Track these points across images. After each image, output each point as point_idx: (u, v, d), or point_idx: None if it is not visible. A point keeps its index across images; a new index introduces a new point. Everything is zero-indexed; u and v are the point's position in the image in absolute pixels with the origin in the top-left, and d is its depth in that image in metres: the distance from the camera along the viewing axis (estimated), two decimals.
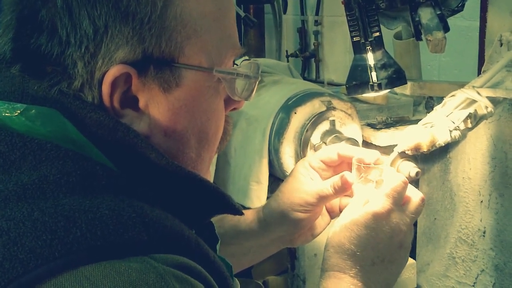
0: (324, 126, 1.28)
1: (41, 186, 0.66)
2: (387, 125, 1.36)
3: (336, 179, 1.06)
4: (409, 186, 0.98)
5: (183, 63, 0.73)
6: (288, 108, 1.29)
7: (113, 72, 0.69)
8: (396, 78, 1.06)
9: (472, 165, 1.42)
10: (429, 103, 1.51)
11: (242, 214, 0.84)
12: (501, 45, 1.23)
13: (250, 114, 1.37)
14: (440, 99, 1.51)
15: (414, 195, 0.97)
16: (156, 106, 0.73)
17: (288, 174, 1.32)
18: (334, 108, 1.28)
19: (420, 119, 1.45)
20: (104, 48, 0.69)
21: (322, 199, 1.07)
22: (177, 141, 0.76)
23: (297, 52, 3.19)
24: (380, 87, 1.06)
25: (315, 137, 1.27)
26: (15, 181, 0.66)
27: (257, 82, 0.83)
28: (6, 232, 0.61)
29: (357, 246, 0.91)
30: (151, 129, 0.74)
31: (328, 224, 1.14)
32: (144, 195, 0.71)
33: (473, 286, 1.47)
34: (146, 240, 0.64)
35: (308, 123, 1.27)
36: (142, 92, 0.72)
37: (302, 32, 3.21)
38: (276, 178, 1.39)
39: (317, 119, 1.27)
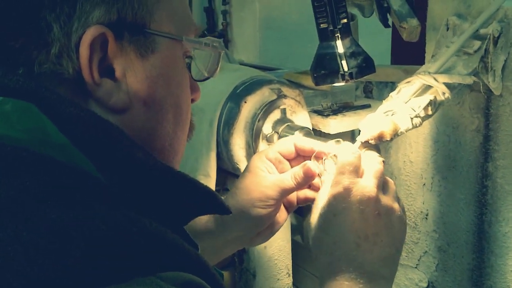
0: (275, 115, 1.23)
1: (22, 200, 0.57)
2: (334, 111, 1.34)
3: (297, 170, 1.02)
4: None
5: (154, 29, 0.71)
6: (237, 97, 1.23)
7: (91, 32, 0.66)
8: (366, 66, 1.03)
9: (414, 148, 1.43)
10: (367, 87, 1.50)
11: (230, 212, 0.80)
12: (448, 29, 1.23)
13: (195, 104, 1.29)
14: (379, 84, 1.51)
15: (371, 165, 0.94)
16: (134, 74, 0.70)
17: (238, 165, 1.27)
18: (285, 96, 1.23)
19: (363, 105, 1.44)
20: (79, 9, 0.66)
21: (284, 192, 1.03)
22: (156, 112, 0.74)
23: (205, 32, 3.11)
24: (351, 76, 1.02)
25: (267, 127, 1.22)
26: None
27: (221, 56, 0.82)
28: None
29: (335, 236, 0.88)
30: (131, 99, 0.71)
31: (285, 220, 1.10)
32: (134, 203, 0.65)
33: (416, 267, 1.49)
34: (151, 258, 0.59)
35: (260, 112, 1.21)
36: (119, 59, 0.69)
37: (209, 11, 3.13)
38: (222, 171, 1.32)
39: (268, 108, 1.22)
